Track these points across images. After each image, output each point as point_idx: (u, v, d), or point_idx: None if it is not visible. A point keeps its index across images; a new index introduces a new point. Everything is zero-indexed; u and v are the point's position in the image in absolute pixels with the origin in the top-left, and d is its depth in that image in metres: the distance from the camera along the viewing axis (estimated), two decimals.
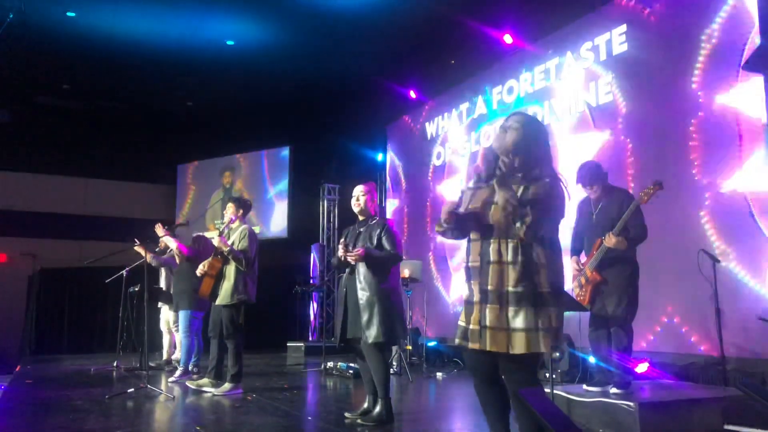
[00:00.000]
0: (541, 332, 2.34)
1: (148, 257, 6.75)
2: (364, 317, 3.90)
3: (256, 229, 11.06)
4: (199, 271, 5.35)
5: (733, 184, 5.14)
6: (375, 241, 4.01)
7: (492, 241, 2.46)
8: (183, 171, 12.69)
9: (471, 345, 2.45)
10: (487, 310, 2.40)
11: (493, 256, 2.43)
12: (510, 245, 2.41)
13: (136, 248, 6.64)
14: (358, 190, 4.19)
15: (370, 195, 4.19)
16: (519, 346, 2.34)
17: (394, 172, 10.60)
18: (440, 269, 8.88)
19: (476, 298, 2.46)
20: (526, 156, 2.51)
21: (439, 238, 8.75)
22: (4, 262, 11.30)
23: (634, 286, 4.07)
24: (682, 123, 5.63)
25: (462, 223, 2.57)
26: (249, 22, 8.43)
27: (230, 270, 5.26)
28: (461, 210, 2.61)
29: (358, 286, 3.97)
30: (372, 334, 3.85)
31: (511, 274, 2.39)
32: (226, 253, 5.21)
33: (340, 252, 3.96)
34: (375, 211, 4.22)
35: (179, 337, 7.37)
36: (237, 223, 5.48)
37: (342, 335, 4.06)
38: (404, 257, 4.40)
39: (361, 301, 3.94)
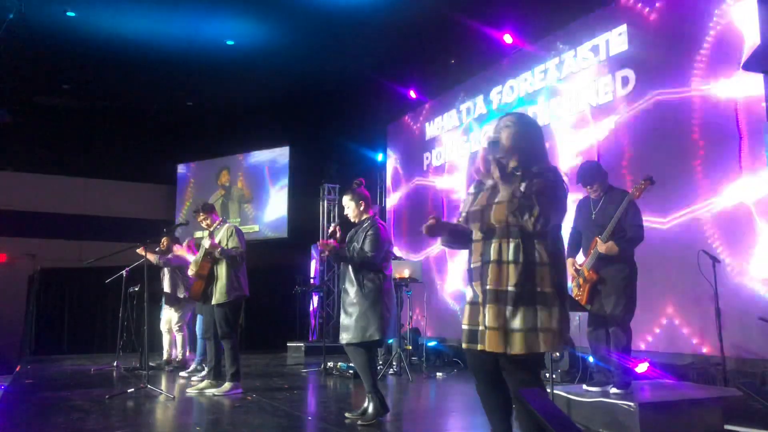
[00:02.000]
0: (541, 333, 2.32)
1: (153, 259, 6.82)
2: (344, 318, 4.06)
3: (255, 228, 11.09)
4: (190, 273, 5.42)
5: (733, 184, 5.14)
6: (360, 243, 4.09)
7: (493, 241, 2.44)
8: (183, 171, 12.68)
9: (471, 345, 2.44)
10: (487, 310, 2.38)
11: (493, 255, 2.42)
12: (511, 244, 2.39)
13: (138, 251, 6.65)
14: (344, 201, 4.29)
15: (355, 201, 4.24)
16: (517, 347, 2.32)
17: (394, 172, 10.60)
18: (440, 269, 8.88)
19: (479, 299, 2.45)
20: (523, 154, 2.52)
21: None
22: (4, 262, 11.30)
23: (632, 286, 4.06)
24: (682, 123, 5.63)
25: (455, 235, 2.62)
26: (249, 22, 8.43)
27: (221, 269, 5.27)
28: (462, 213, 2.63)
29: (345, 286, 4.11)
30: (345, 336, 4.01)
31: (511, 274, 2.37)
32: (218, 254, 5.22)
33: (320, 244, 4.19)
34: (370, 212, 4.27)
35: (179, 337, 7.39)
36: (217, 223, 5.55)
37: (336, 333, 4.17)
38: (402, 257, 4.38)
39: (344, 302, 4.11)
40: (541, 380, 2.50)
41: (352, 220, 4.30)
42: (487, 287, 2.40)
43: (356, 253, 4.05)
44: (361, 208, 4.24)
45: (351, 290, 4.05)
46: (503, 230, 2.42)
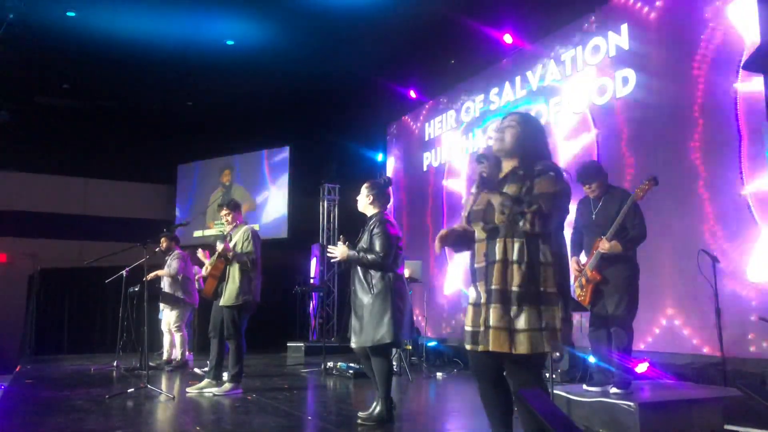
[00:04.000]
0: (545, 333, 2.32)
1: (166, 273, 7.08)
2: (354, 321, 3.97)
3: (255, 228, 11.08)
4: (204, 272, 5.42)
5: (734, 184, 5.14)
6: (368, 242, 4.00)
7: (498, 240, 2.44)
8: (183, 171, 12.68)
9: (475, 346, 2.43)
10: (491, 310, 2.37)
11: (498, 255, 2.41)
12: (516, 244, 2.39)
13: (149, 276, 6.77)
14: (362, 188, 4.22)
15: (368, 191, 4.18)
16: (522, 347, 2.31)
17: (394, 172, 10.60)
18: (440, 269, 8.88)
19: (483, 299, 2.44)
20: (526, 153, 2.52)
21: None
22: (4, 262, 11.31)
23: (635, 286, 4.06)
24: (683, 123, 5.63)
25: (459, 240, 2.63)
26: (249, 22, 8.43)
27: (234, 271, 5.26)
28: (464, 213, 2.65)
29: (354, 286, 4.03)
30: (355, 339, 3.93)
31: (516, 273, 2.36)
32: (230, 258, 5.21)
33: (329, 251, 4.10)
34: (378, 206, 4.16)
35: (178, 338, 7.39)
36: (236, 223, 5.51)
37: (344, 334, 4.12)
38: (404, 256, 4.36)
39: (354, 304, 4.01)
40: (543, 381, 2.50)
41: (359, 208, 4.23)
42: (492, 287, 2.39)
43: (366, 253, 3.93)
44: (368, 200, 4.14)
45: (360, 292, 3.96)
46: (508, 229, 2.42)
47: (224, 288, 5.27)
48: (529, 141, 2.53)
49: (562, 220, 2.48)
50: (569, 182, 2.51)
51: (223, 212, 5.50)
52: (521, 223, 2.34)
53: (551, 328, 2.33)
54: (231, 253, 5.20)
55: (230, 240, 5.38)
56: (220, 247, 5.21)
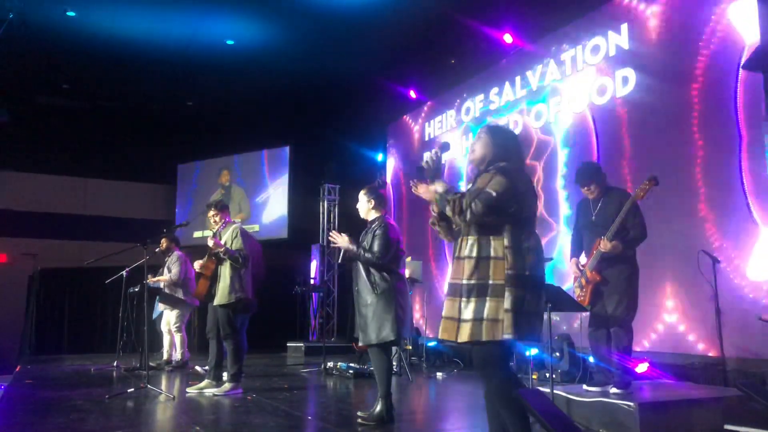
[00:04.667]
0: (486, 322, 2.44)
1: (166, 280, 7.17)
2: (359, 319, 4.05)
3: (255, 228, 11.08)
4: (196, 269, 5.43)
5: (734, 184, 5.14)
6: (369, 243, 4.07)
7: (458, 239, 2.63)
8: (183, 171, 12.68)
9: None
10: (445, 302, 2.59)
11: (456, 252, 2.63)
12: (469, 241, 2.56)
13: (151, 280, 6.98)
14: (359, 195, 4.29)
15: (367, 197, 4.25)
16: (463, 336, 2.48)
17: (394, 171, 10.60)
18: (440, 269, 8.88)
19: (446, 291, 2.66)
20: (492, 157, 2.68)
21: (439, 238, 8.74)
22: (4, 262, 11.30)
23: (634, 287, 4.06)
24: (683, 122, 5.63)
25: (445, 219, 2.82)
26: (249, 22, 8.43)
27: (225, 270, 5.26)
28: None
29: (358, 286, 4.09)
30: (360, 337, 4.01)
31: (466, 267, 2.53)
32: (222, 254, 5.21)
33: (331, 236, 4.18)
34: (379, 210, 4.24)
35: (178, 338, 7.39)
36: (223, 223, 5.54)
37: (350, 334, 4.16)
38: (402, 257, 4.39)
39: (358, 303, 4.08)
40: (493, 371, 2.51)
41: (361, 215, 4.30)
42: (448, 281, 2.62)
43: (365, 252, 4.03)
44: (370, 206, 4.23)
45: (364, 291, 4.05)
46: (465, 229, 2.61)
47: (217, 287, 5.27)
48: (497, 149, 2.68)
49: (504, 212, 2.51)
50: (515, 178, 2.56)
51: (211, 213, 5.54)
52: (447, 211, 2.55)
53: (491, 318, 2.44)
54: (223, 249, 5.20)
55: (220, 239, 5.38)
56: (210, 243, 5.21)
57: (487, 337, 2.42)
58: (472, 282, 2.49)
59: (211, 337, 5.47)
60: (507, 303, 2.43)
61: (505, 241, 2.49)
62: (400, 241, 4.22)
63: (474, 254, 2.52)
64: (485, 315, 2.44)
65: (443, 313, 2.58)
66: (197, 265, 5.42)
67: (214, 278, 5.29)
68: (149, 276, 7.16)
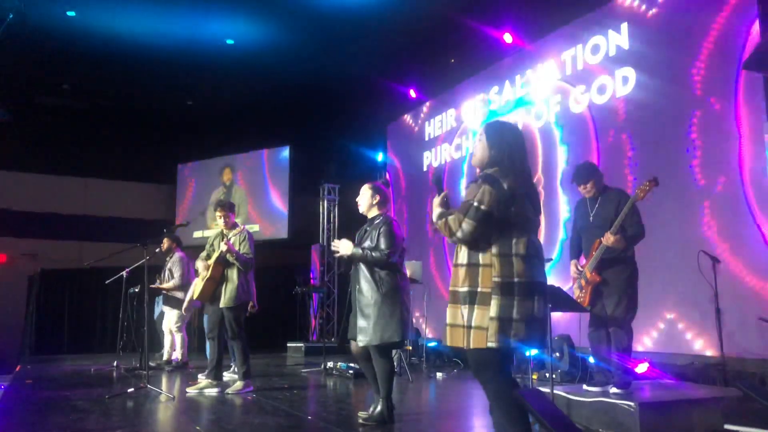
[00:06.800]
0: (473, 330, 2.45)
1: (170, 286, 7.25)
2: (360, 320, 3.91)
3: (255, 228, 11.08)
4: (201, 276, 5.42)
5: (734, 184, 5.14)
6: (375, 240, 3.97)
7: (456, 246, 2.65)
8: (183, 171, 12.68)
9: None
10: (447, 309, 2.60)
11: (454, 260, 2.64)
12: (463, 249, 2.58)
13: (155, 285, 7.00)
14: (362, 189, 4.18)
15: (372, 192, 4.13)
16: (449, 340, 2.54)
17: (394, 171, 10.60)
18: (440, 269, 8.88)
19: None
20: (490, 162, 2.64)
21: (439, 238, 8.75)
22: (4, 263, 11.29)
23: (634, 287, 4.06)
24: (683, 122, 5.63)
25: None
26: (249, 21, 8.43)
27: (232, 273, 5.28)
28: None
29: (359, 286, 3.97)
30: (362, 338, 3.88)
31: (460, 275, 2.55)
32: (233, 259, 5.21)
33: (333, 244, 4.07)
34: (382, 208, 4.13)
35: (179, 338, 7.39)
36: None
37: (343, 334, 4.07)
38: (405, 256, 4.35)
39: (360, 303, 3.95)
40: (486, 377, 2.52)
41: (361, 210, 4.19)
42: (450, 288, 2.61)
43: (371, 251, 3.90)
44: (374, 201, 4.10)
45: (367, 290, 3.91)
46: None
47: (224, 289, 5.27)
48: (494, 151, 2.63)
49: (490, 223, 2.48)
50: (503, 186, 2.50)
51: (219, 213, 5.48)
52: (442, 231, 2.59)
53: (477, 326, 2.45)
54: (235, 254, 5.21)
55: (228, 241, 5.38)
56: (223, 247, 5.19)
57: (475, 345, 2.43)
58: (465, 289, 2.51)
59: (211, 338, 5.47)
60: (492, 311, 2.42)
61: (493, 249, 2.49)
62: (404, 239, 4.15)
63: (464, 261, 2.54)
64: (473, 323, 2.46)
65: (447, 320, 2.58)
66: (201, 266, 5.43)
67: (221, 280, 5.31)
68: (156, 280, 7.21)
